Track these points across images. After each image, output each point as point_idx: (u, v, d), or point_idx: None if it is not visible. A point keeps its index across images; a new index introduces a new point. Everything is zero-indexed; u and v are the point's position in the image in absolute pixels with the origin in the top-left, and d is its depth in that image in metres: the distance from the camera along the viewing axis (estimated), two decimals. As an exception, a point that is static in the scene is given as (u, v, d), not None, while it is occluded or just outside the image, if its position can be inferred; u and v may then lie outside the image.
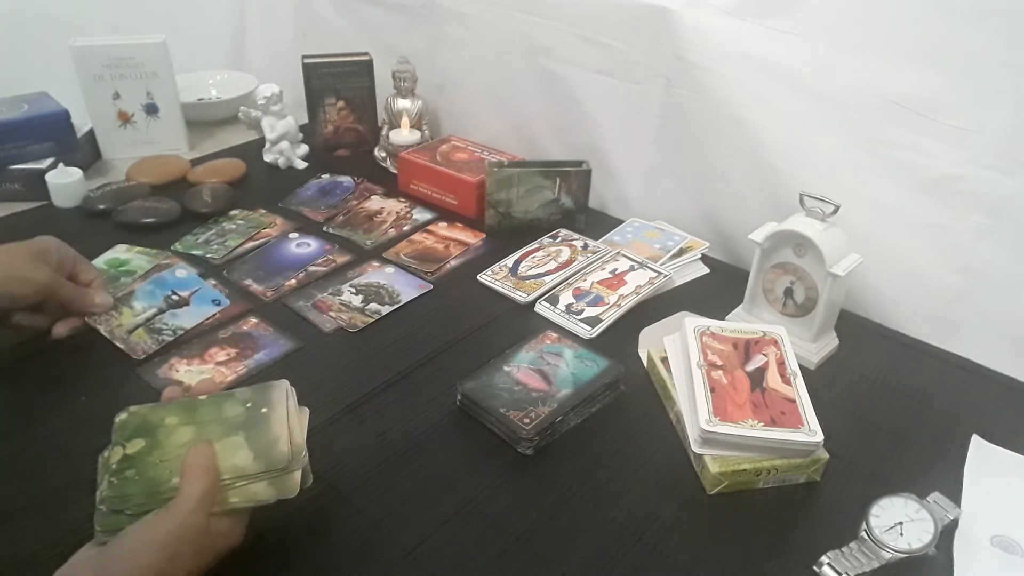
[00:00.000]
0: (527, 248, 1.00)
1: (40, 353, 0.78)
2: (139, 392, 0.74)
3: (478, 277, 0.94)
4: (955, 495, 0.65)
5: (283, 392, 0.60)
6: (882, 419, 0.74)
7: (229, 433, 0.56)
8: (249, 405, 0.59)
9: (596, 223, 1.07)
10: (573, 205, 1.05)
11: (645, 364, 0.80)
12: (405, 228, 1.06)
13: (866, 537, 0.59)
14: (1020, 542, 0.62)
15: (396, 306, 0.89)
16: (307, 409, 0.61)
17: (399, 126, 1.21)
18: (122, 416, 0.57)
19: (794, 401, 0.67)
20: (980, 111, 0.77)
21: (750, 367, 0.71)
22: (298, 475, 0.55)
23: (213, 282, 0.91)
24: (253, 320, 0.85)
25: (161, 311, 0.84)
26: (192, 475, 0.52)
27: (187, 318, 0.84)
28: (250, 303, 0.88)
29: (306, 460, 0.57)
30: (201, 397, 0.60)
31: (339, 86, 1.23)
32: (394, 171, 1.19)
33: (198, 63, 1.44)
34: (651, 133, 1.04)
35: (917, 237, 0.85)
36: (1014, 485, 0.68)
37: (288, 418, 0.58)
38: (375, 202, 1.13)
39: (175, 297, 0.86)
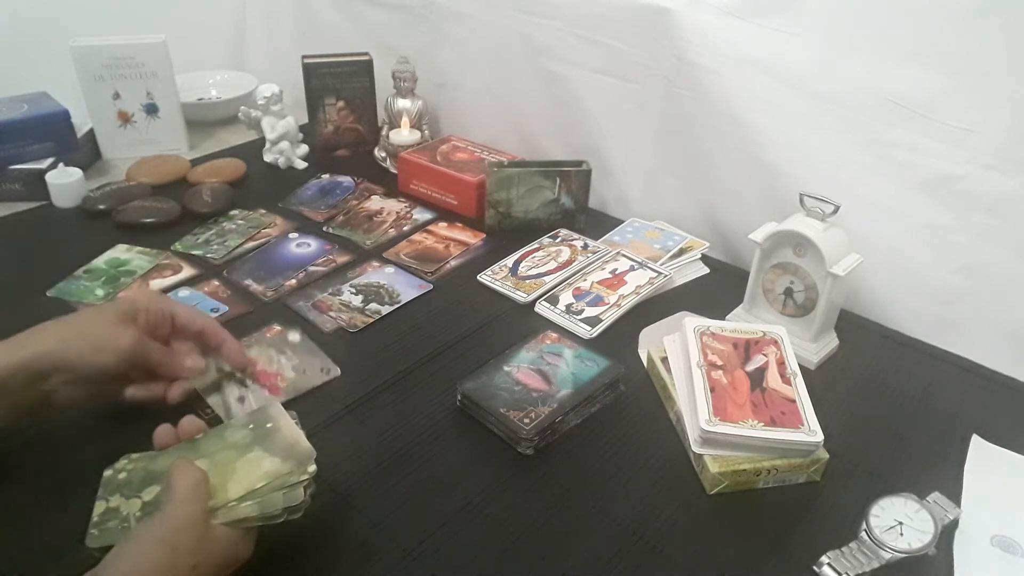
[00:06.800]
0: (527, 248, 1.00)
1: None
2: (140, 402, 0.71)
3: (478, 277, 0.94)
4: (955, 495, 0.65)
5: (279, 408, 0.61)
6: (882, 419, 0.74)
7: (245, 452, 0.57)
8: (252, 426, 0.59)
9: (596, 223, 1.07)
10: (573, 205, 1.05)
11: (645, 364, 0.80)
12: (405, 228, 1.06)
13: (866, 537, 0.59)
14: (1020, 542, 0.62)
15: (396, 306, 0.89)
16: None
17: (399, 126, 1.21)
18: (116, 467, 0.58)
19: (794, 401, 0.68)
20: (980, 111, 0.77)
21: (750, 367, 0.71)
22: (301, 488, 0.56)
23: (217, 282, 0.91)
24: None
25: None
26: (178, 472, 0.53)
27: None
28: (250, 304, 0.88)
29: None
30: (197, 436, 0.60)
31: (339, 86, 1.22)
32: (394, 171, 1.19)
33: (198, 63, 1.44)
34: (651, 133, 1.04)
35: (917, 237, 0.85)
36: (1014, 485, 0.68)
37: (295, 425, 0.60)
38: (375, 202, 1.13)
39: None
